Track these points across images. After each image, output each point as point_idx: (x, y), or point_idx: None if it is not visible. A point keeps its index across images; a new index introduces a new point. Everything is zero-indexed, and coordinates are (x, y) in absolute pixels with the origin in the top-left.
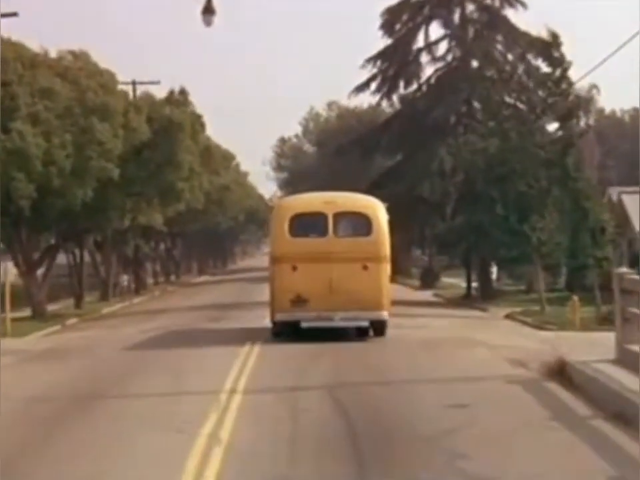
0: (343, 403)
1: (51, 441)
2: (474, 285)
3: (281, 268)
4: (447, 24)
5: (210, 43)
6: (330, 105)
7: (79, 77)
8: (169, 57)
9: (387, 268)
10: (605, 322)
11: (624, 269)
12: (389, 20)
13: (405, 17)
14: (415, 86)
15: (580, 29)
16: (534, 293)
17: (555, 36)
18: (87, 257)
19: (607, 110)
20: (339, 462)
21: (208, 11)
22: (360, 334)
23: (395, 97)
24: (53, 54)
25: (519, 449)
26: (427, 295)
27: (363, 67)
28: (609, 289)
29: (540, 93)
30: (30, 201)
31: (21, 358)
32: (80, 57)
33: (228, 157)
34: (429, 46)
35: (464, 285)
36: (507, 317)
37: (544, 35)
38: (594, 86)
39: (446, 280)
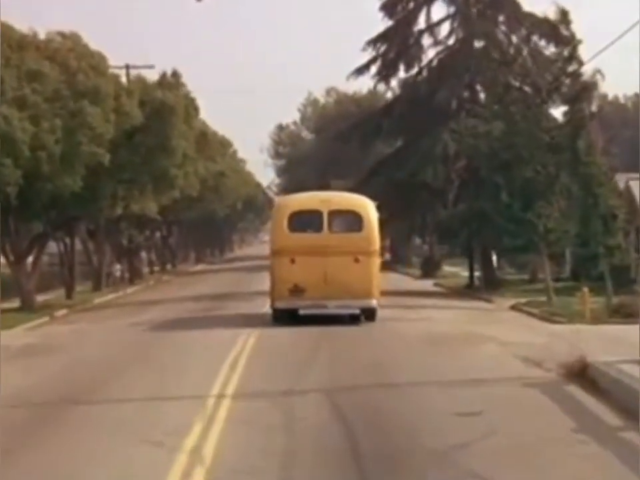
0: (342, 409)
1: (10, 459)
2: (476, 274)
3: (280, 260)
4: (449, 2)
5: (206, 30)
6: (329, 91)
7: (69, 58)
8: (165, 45)
9: (376, 261)
10: (616, 314)
11: None
12: (390, 0)
13: None
14: (416, 69)
15: (584, 12)
16: (538, 282)
17: (564, 13)
18: (79, 246)
19: (610, 96)
20: None
21: None
22: (352, 319)
23: (395, 81)
24: (42, 35)
25: (543, 466)
26: (428, 284)
27: (364, 49)
28: (620, 278)
29: (546, 75)
30: (17, 187)
31: None
32: (70, 38)
33: (225, 144)
34: (431, 27)
35: (465, 273)
36: (513, 308)
37: (549, 15)
38: (597, 71)
39: (447, 269)
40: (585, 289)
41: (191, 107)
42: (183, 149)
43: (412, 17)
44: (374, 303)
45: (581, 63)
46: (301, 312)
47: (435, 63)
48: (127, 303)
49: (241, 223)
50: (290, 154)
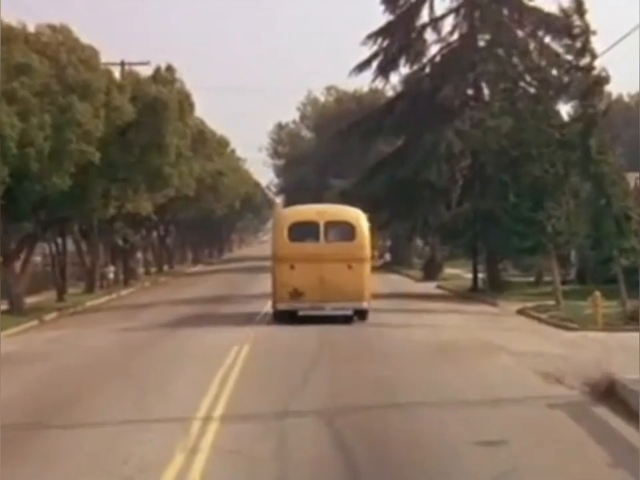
0: (344, 437)
1: None
2: (480, 276)
3: (281, 267)
4: None
5: (205, 27)
6: (329, 90)
7: (59, 52)
8: (163, 43)
9: (368, 267)
10: (631, 321)
11: None
12: None
13: None
14: (419, 64)
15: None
16: (543, 285)
17: (579, 2)
18: (72, 246)
19: (614, 94)
20: None
21: None
22: (345, 319)
23: (397, 77)
24: (31, 28)
25: None
26: (430, 286)
27: (364, 43)
28: (629, 281)
29: (554, 71)
30: (4, 186)
31: None
32: (60, 31)
33: (222, 143)
34: (434, 21)
35: (467, 275)
36: (520, 312)
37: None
38: (603, 69)
39: (449, 271)
40: (597, 293)
41: (186, 102)
42: (177, 147)
43: (414, 10)
44: (365, 304)
45: (594, 56)
46: (300, 313)
47: (438, 58)
48: (120, 305)
49: (240, 223)
50: (289, 153)
